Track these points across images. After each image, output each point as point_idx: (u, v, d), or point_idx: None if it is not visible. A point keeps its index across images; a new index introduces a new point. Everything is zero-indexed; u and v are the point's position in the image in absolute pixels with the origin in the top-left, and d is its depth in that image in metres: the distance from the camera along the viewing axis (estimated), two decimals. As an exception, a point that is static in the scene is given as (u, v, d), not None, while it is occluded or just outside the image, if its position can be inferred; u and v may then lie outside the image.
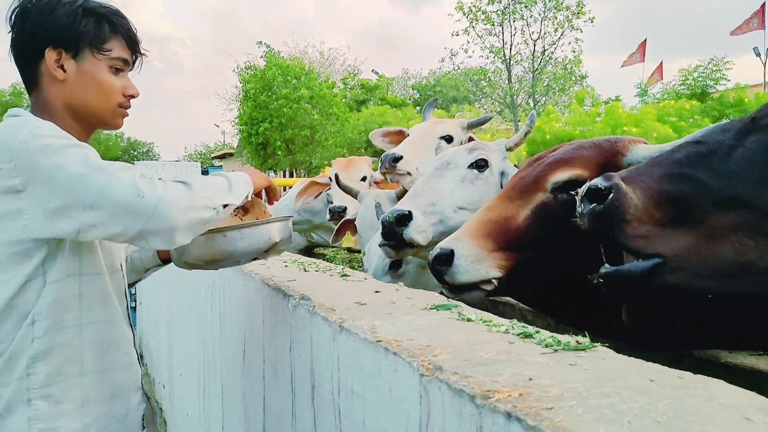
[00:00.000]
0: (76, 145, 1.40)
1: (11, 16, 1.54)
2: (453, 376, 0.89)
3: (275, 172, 29.85)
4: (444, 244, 1.80)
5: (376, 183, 4.45)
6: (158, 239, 1.37)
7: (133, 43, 1.62)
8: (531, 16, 32.50)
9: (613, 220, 1.24)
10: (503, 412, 0.77)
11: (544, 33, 32.74)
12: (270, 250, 1.64)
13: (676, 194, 1.25)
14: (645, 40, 24.70)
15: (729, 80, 17.76)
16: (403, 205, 2.33)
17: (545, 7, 32.19)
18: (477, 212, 1.91)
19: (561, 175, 1.76)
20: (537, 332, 1.12)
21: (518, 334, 1.12)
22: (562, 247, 1.70)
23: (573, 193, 1.51)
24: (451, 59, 34.67)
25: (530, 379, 0.86)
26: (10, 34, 1.55)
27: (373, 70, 36.80)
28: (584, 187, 1.32)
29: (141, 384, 1.69)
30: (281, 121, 24.15)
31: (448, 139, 3.22)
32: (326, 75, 30.36)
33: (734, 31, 22.18)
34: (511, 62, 33.48)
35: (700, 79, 16.17)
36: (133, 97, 1.62)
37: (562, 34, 32.51)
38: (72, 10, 1.52)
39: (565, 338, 1.07)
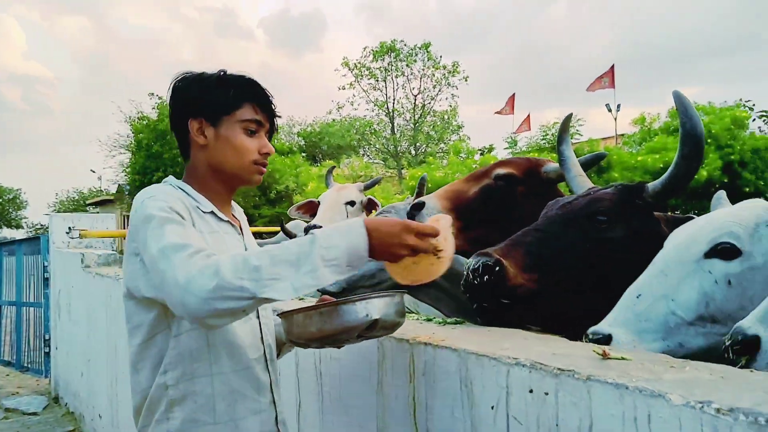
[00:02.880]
0: (169, 220, 1.47)
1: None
2: (396, 334, 1.77)
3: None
4: (422, 199, 2.63)
5: None
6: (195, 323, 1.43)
7: (264, 107, 1.73)
8: (411, 73, 35.14)
9: (500, 284, 1.93)
10: (422, 343, 1.66)
11: (424, 89, 35.46)
12: (373, 328, 1.49)
13: (532, 264, 1.99)
14: (513, 94, 26.57)
15: (582, 135, 20.34)
16: None
17: (424, 65, 34.90)
18: (443, 186, 2.82)
19: (502, 170, 2.77)
20: (435, 318, 2.03)
21: (425, 319, 2.02)
22: (492, 218, 2.67)
23: (506, 183, 2.67)
24: (338, 111, 36.49)
25: (434, 333, 1.76)
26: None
27: (259, 118, 37.23)
28: (477, 263, 1.95)
29: (276, 427, 1.70)
30: (176, 170, 24.09)
31: (352, 203, 4.19)
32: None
33: (589, 88, 22.93)
34: (394, 114, 35.74)
35: (557, 134, 18.21)
36: (268, 154, 1.74)
37: (439, 91, 35.37)
38: (207, 85, 1.69)
39: (450, 320, 1.98)
